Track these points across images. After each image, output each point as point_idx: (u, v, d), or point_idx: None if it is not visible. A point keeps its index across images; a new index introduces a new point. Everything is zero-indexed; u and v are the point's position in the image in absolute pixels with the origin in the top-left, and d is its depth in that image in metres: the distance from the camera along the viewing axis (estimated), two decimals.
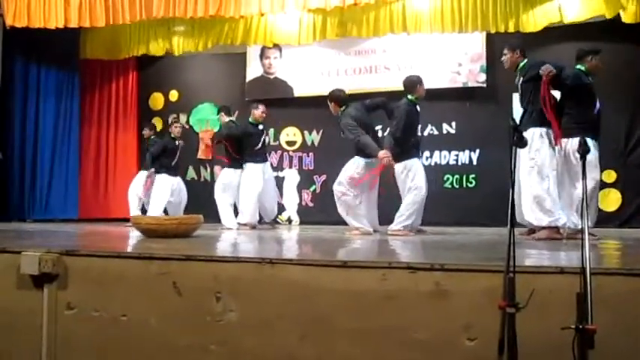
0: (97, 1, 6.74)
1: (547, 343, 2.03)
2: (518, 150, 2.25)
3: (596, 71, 4.62)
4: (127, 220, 6.83)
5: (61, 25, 6.81)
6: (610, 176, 6.53)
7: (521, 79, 4.69)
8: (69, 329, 2.89)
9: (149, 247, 3.50)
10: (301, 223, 7.98)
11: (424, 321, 2.32)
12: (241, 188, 6.62)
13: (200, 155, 8.71)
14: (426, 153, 7.38)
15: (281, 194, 7.62)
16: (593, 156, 4.26)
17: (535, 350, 1.97)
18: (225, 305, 2.61)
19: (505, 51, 4.89)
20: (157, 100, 9.12)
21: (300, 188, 8.17)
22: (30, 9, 6.79)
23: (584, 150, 2.10)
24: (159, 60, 8.88)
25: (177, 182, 7.61)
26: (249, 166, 6.63)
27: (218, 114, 7.27)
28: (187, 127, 8.84)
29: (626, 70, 6.59)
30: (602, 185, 5.85)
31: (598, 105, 4.53)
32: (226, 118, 7.08)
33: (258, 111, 6.78)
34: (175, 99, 9.03)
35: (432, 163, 7.49)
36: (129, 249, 3.71)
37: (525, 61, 4.78)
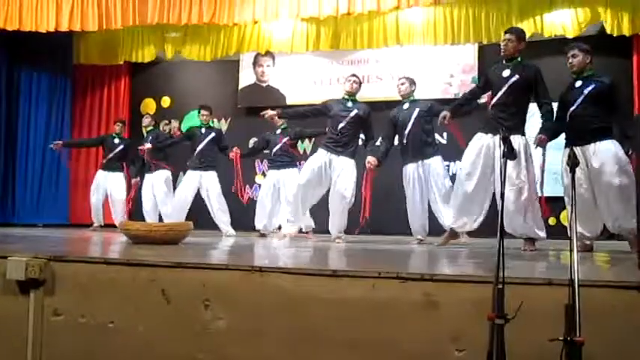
0: (89, 5, 6.75)
1: (535, 355, 2.03)
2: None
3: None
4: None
5: (52, 29, 6.80)
6: None
7: (516, 76, 4.43)
8: (55, 336, 2.85)
9: (138, 254, 3.48)
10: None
11: (413, 331, 2.31)
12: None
13: None
14: None
15: None
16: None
17: None
18: (214, 313, 2.59)
19: (509, 36, 4.51)
20: (149, 106, 9.09)
21: None
22: (22, 12, 6.79)
23: (573, 162, 2.09)
24: (151, 66, 8.88)
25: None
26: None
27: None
28: (179, 133, 8.83)
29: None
30: None
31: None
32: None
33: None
34: (167, 105, 9.02)
35: None
36: (117, 255, 3.68)
37: (519, 57, 4.54)
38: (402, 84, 5.60)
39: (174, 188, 7.33)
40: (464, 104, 5.08)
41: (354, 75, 5.84)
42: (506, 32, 4.65)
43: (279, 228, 7.85)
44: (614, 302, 2.13)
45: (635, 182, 2.82)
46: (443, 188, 5.30)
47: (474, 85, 7.15)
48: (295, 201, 5.63)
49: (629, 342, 2.07)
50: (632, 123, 4.28)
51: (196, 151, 6.87)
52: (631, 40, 6.88)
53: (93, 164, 8.91)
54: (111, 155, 7.63)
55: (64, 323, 2.85)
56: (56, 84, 8.57)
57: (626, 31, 6.56)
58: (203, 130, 6.96)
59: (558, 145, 4.60)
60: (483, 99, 5.29)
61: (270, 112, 5.70)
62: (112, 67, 8.93)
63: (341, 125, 5.52)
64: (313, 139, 8.06)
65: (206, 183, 6.81)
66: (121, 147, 7.68)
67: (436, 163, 5.40)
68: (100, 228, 7.59)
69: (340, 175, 5.45)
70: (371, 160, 5.37)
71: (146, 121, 7.72)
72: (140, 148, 7.19)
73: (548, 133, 4.40)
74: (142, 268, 2.81)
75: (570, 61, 4.46)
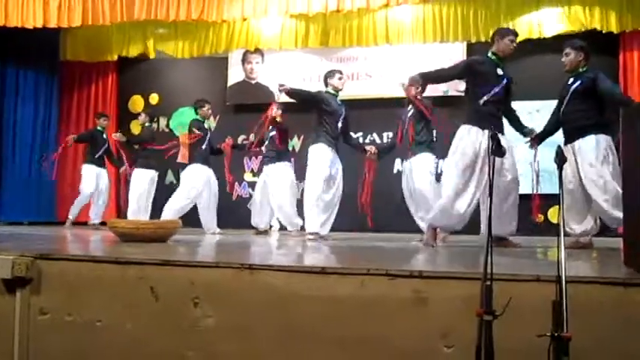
0: (76, 1, 6.68)
1: (523, 351, 2.04)
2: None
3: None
4: (104, 223, 6.77)
5: (39, 25, 6.73)
6: None
7: (506, 78, 4.40)
8: (42, 335, 2.83)
9: (126, 252, 3.46)
10: (281, 229, 7.94)
11: (402, 328, 2.32)
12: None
13: (180, 159, 8.62)
14: None
15: None
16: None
17: (511, 357, 1.98)
18: (203, 311, 2.58)
19: (514, 38, 4.46)
20: (136, 103, 9.03)
21: None
22: (7, 8, 6.71)
23: (560, 159, 2.08)
24: (140, 63, 8.82)
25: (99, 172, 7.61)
26: None
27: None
28: (168, 130, 8.78)
29: None
30: None
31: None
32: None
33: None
34: (156, 102, 8.96)
35: None
36: (105, 253, 3.65)
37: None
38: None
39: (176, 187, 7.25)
40: (436, 79, 5.05)
41: (340, 71, 5.78)
42: (513, 34, 4.54)
43: (269, 227, 7.90)
44: (601, 298, 2.15)
45: (622, 175, 2.80)
46: (423, 185, 5.25)
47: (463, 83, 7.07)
48: (315, 202, 5.31)
49: (616, 337, 2.09)
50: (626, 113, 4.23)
51: (204, 147, 6.72)
52: (618, 38, 6.94)
53: (80, 161, 8.85)
54: (101, 151, 7.59)
55: (51, 322, 2.82)
56: (43, 81, 8.49)
57: (614, 29, 6.62)
58: (206, 126, 6.90)
59: (548, 142, 4.63)
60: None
61: (285, 86, 5.49)
62: (99, 64, 8.85)
63: (339, 123, 5.49)
64: (302, 137, 8.07)
65: (211, 178, 6.77)
66: (108, 142, 7.67)
67: (419, 159, 5.37)
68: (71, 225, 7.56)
69: (341, 176, 5.48)
70: (372, 148, 5.72)
71: (141, 118, 7.70)
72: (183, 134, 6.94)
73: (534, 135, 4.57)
74: (130, 265, 2.79)
75: (563, 59, 4.51)
